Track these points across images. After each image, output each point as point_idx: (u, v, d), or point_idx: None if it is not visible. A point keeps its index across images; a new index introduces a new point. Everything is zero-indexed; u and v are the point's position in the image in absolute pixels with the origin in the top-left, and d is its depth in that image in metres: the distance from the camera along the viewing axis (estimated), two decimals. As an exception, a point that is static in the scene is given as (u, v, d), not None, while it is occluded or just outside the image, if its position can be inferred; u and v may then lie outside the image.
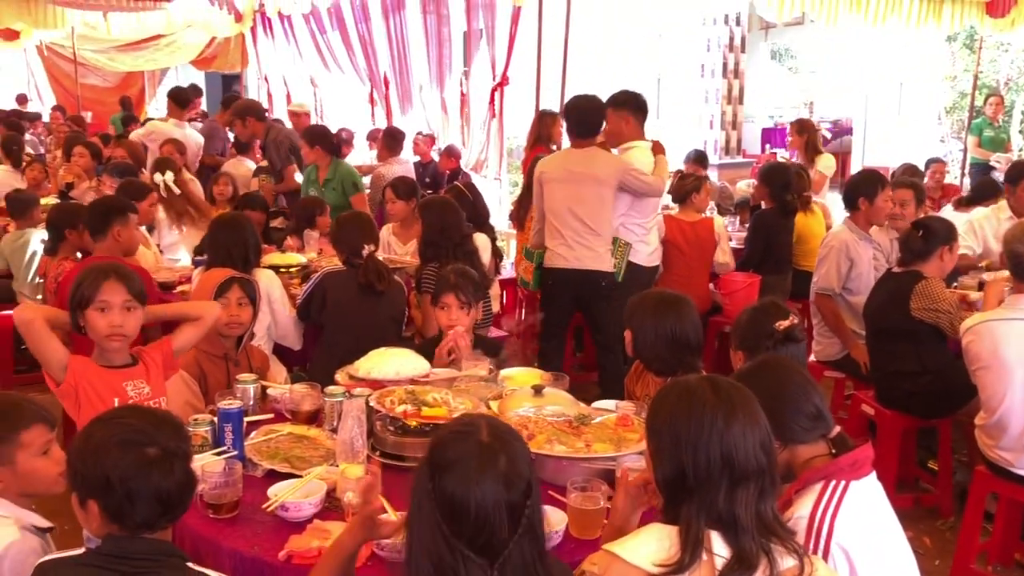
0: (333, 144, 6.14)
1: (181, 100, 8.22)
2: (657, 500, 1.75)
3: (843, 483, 1.89)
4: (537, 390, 2.66)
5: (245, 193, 6.32)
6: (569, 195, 4.47)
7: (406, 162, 7.74)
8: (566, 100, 5.72)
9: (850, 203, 4.57)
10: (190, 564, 1.73)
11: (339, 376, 2.89)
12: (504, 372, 2.97)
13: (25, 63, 15.64)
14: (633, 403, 2.76)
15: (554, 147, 5.90)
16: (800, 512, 1.87)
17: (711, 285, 5.43)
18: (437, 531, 1.48)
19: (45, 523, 2.04)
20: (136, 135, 8.15)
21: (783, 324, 2.53)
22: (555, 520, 2.06)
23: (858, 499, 1.89)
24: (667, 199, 5.69)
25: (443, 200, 4.67)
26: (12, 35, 12.44)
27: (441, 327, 3.29)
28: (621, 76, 10.77)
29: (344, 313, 3.83)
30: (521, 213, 5.64)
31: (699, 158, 7.74)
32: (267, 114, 7.80)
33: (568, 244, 4.46)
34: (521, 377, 2.93)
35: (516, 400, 2.62)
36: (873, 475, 1.96)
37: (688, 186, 5.35)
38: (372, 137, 9.46)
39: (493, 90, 7.88)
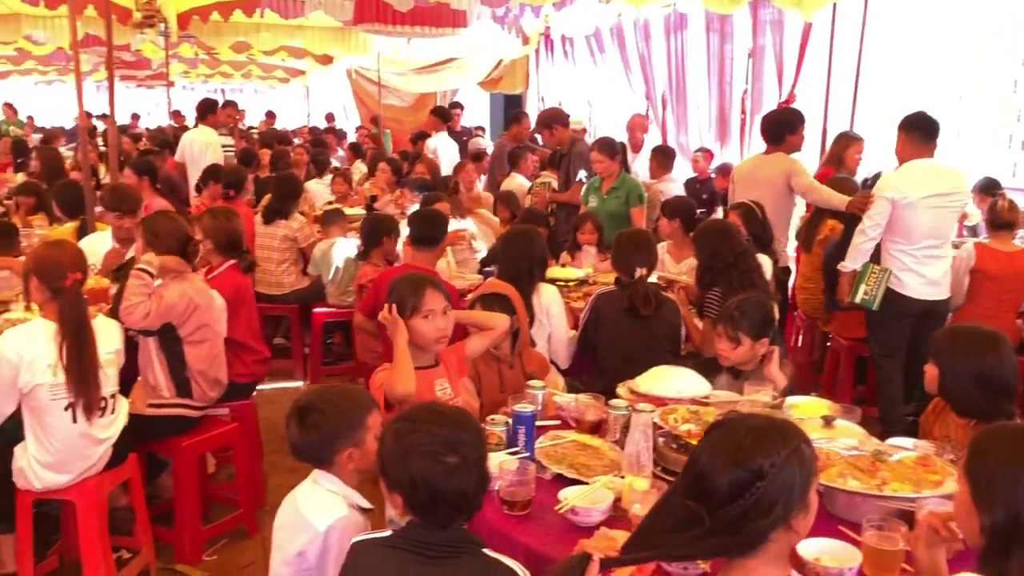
0: (625, 157, 6.28)
1: (444, 115, 9.52)
2: (958, 544, 1.68)
3: None
4: (827, 421, 2.58)
5: (528, 208, 6.61)
6: (752, 197, 5.05)
7: (678, 180, 7.74)
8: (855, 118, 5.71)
9: None
10: (486, 551, 1.86)
11: (620, 390, 2.96)
12: (790, 400, 2.89)
13: (336, 85, 17.43)
14: (932, 443, 2.59)
15: (845, 173, 5.67)
16: None
17: (1018, 321, 4.93)
18: (675, 488, 1.60)
19: (367, 504, 2.27)
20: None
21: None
22: (847, 557, 1.99)
23: None
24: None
25: (711, 225, 4.61)
26: (327, 60, 13.94)
27: (717, 354, 3.26)
28: (918, 94, 10.03)
29: (615, 332, 3.86)
30: (809, 235, 5.45)
31: (988, 186, 7.01)
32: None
33: None
34: (808, 406, 2.84)
35: (804, 429, 2.54)
36: None
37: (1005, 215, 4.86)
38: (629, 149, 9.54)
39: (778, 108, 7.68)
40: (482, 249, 5.94)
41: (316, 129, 15.65)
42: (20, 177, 8.00)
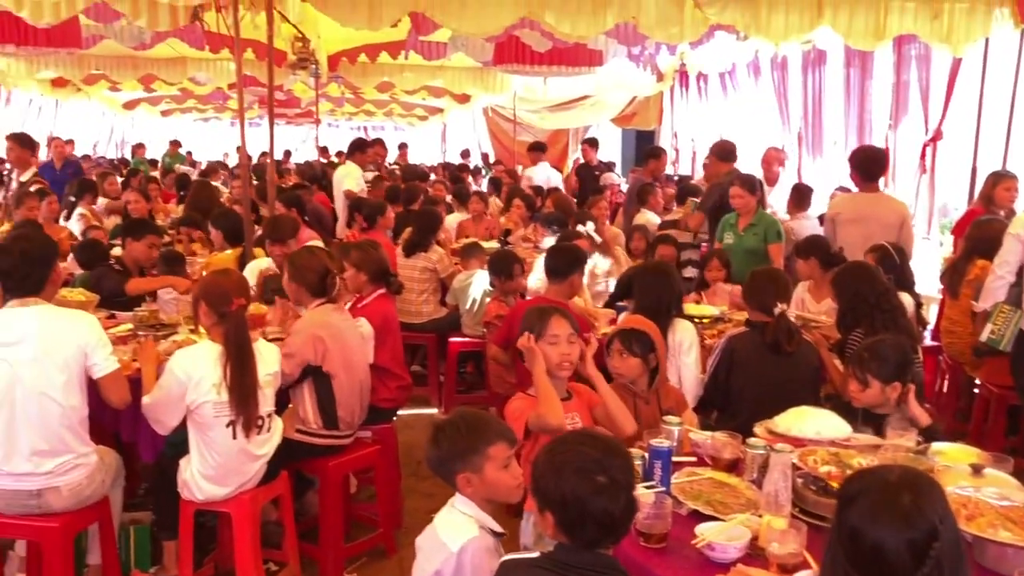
0: (763, 193, 6.24)
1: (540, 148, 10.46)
2: None
3: None
4: (976, 470, 2.49)
5: (658, 235, 6.63)
6: (860, 235, 5.11)
7: (814, 217, 7.57)
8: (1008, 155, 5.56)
9: None
10: None
11: (758, 429, 2.95)
12: (935, 446, 2.81)
13: (472, 122, 17.96)
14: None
15: (1001, 212, 5.44)
16: None
17: None
18: (838, 563, 1.55)
19: (499, 528, 2.36)
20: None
21: None
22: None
23: None
24: None
25: (852, 266, 4.51)
26: (464, 98, 14.39)
27: (850, 396, 3.20)
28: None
29: (752, 372, 3.77)
30: (954, 277, 5.24)
31: None
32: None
33: None
34: (955, 453, 2.76)
35: (951, 477, 2.48)
36: None
37: None
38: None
39: (925, 145, 7.46)
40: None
41: (451, 165, 16.12)
42: (181, 209, 8.63)
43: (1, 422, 3.09)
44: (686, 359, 3.99)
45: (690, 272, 6.60)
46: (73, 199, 8.05)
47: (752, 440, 2.76)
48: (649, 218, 7.80)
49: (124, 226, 5.55)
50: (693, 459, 2.88)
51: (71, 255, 5.53)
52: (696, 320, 4.60)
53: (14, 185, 7.09)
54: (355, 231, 7.24)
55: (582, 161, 11.68)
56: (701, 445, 2.91)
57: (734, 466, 2.79)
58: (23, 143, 7.52)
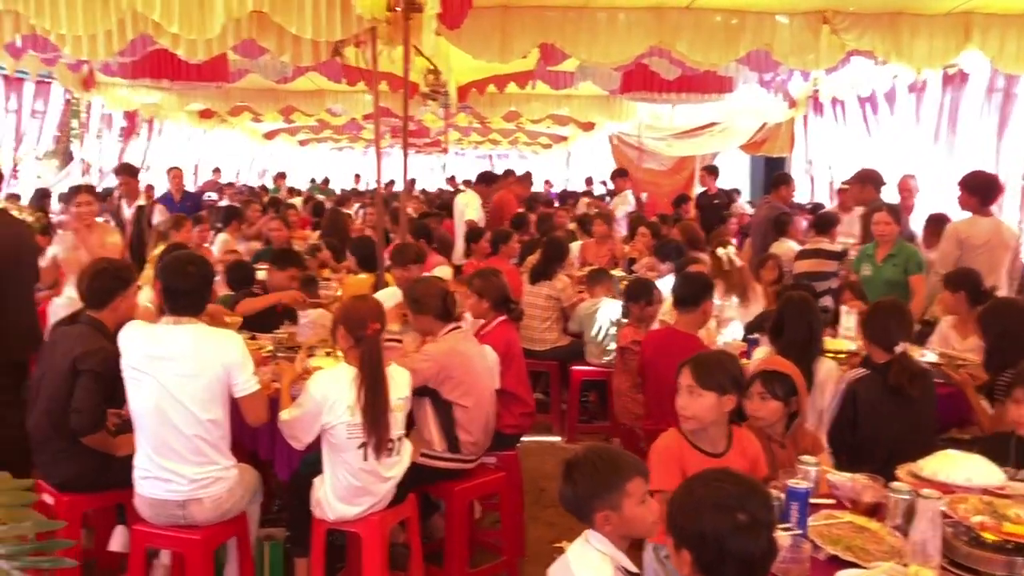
0: (907, 223, 6.02)
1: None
2: None
3: None
4: None
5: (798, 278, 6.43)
6: (987, 261, 5.11)
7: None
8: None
9: None
10: None
11: (900, 472, 2.81)
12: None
13: (596, 150, 17.95)
14: None
15: None
16: None
17: None
18: None
19: (634, 568, 2.31)
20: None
21: None
22: None
23: None
24: None
25: (1000, 303, 4.26)
26: (589, 126, 14.43)
27: (1013, 422, 3.00)
28: None
29: (880, 420, 3.53)
30: None
31: None
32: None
33: None
34: None
35: None
36: None
37: None
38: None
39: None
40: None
41: (589, 192, 16.15)
42: (316, 235, 8.98)
43: (151, 434, 3.27)
44: (828, 401, 3.83)
45: (826, 302, 6.36)
46: (220, 225, 8.52)
47: (896, 484, 2.63)
48: (789, 247, 7.56)
49: (272, 255, 5.83)
50: (831, 502, 2.76)
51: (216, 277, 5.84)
52: (831, 355, 4.43)
53: (126, 214, 7.44)
54: (477, 258, 7.36)
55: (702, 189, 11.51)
56: (840, 487, 2.79)
57: (875, 510, 2.67)
58: (133, 174, 7.90)
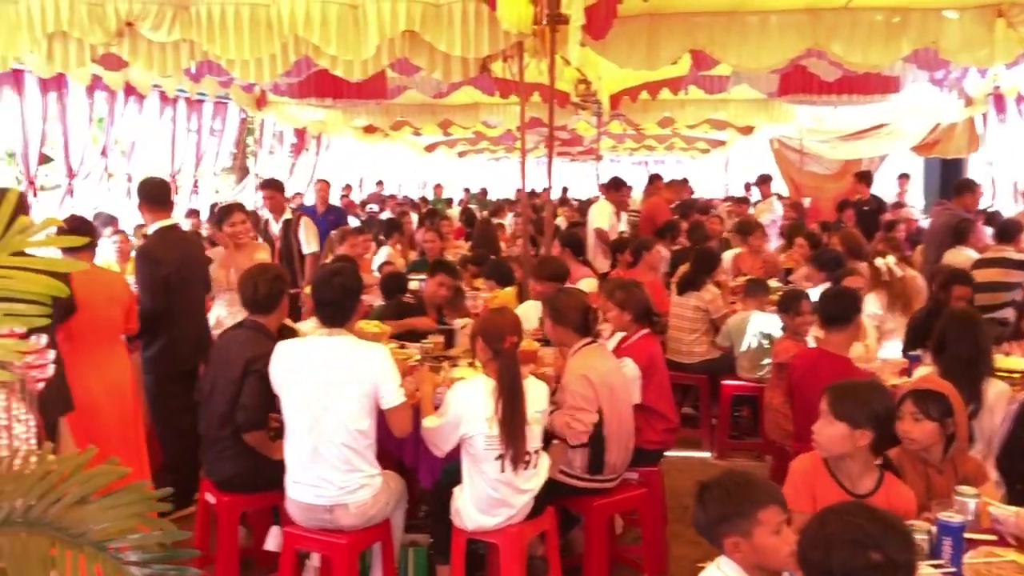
0: None
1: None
2: None
3: None
4: None
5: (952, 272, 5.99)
6: None
7: None
8: None
9: None
10: None
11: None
12: None
13: (756, 154, 17.42)
14: None
15: None
16: None
17: None
18: None
19: None
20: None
21: None
22: None
23: None
24: None
25: None
26: (748, 130, 14.02)
27: None
28: None
29: None
30: None
31: None
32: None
33: None
34: None
35: None
36: None
37: None
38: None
39: None
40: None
41: (732, 197, 15.73)
42: (469, 247, 9.17)
43: (308, 441, 3.44)
44: (996, 424, 3.50)
45: (1007, 314, 5.89)
46: (382, 237, 8.85)
47: (1069, 522, 2.40)
48: (967, 255, 7.04)
49: (426, 266, 6.08)
50: (993, 538, 2.55)
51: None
52: (1003, 373, 4.09)
53: (274, 229, 7.65)
54: (622, 268, 7.27)
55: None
56: (1003, 522, 2.57)
57: (1045, 549, 2.44)
58: (279, 188, 8.12)
